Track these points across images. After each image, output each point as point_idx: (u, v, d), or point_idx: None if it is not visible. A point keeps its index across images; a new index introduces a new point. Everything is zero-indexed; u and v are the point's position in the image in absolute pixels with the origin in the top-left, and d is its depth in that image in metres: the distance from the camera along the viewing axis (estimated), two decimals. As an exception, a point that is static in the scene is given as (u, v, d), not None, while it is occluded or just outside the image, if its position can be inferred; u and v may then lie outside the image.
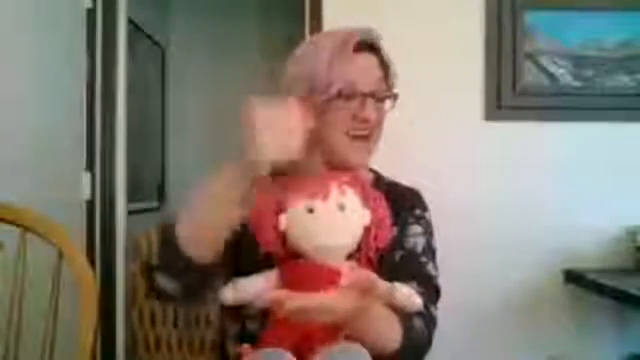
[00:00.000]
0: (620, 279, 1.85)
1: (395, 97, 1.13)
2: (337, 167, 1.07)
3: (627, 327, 2.10)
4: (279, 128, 0.84)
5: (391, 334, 0.94)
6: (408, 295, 0.91)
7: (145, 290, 1.00)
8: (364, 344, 0.83)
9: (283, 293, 0.82)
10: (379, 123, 1.08)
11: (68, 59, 2.13)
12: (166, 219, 0.93)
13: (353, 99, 1.05)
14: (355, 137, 1.06)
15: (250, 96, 0.87)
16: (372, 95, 1.06)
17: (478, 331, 2.07)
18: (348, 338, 0.84)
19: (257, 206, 0.96)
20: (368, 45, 1.09)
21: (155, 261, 0.96)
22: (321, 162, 1.09)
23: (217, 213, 0.90)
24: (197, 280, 0.95)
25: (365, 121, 1.05)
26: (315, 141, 1.08)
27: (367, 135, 1.07)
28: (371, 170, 1.21)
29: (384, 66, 1.11)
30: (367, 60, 1.09)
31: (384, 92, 1.09)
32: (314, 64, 1.05)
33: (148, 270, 0.97)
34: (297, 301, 0.80)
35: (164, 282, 0.95)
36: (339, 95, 1.04)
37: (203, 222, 0.92)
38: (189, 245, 0.91)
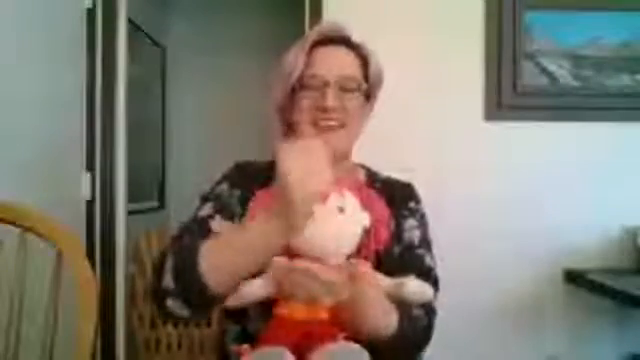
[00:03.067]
0: (620, 279, 1.85)
1: (369, 90, 1.13)
2: None
3: (627, 327, 2.10)
4: (310, 170, 0.82)
5: (388, 319, 0.94)
6: (419, 288, 0.91)
7: (155, 312, 0.99)
8: (360, 328, 0.83)
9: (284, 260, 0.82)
10: (347, 112, 1.09)
11: (68, 59, 2.13)
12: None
13: (315, 89, 1.08)
14: (321, 127, 1.08)
15: (282, 144, 0.86)
16: (334, 84, 1.07)
17: (478, 331, 2.07)
18: (347, 338, 0.84)
19: (257, 211, 0.96)
20: (340, 40, 1.12)
21: (168, 286, 0.93)
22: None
23: (249, 260, 0.87)
24: (210, 306, 0.95)
25: (325, 110, 1.07)
26: (293, 132, 1.12)
27: (333, 125, 1.08)
28: (362, 167, 1.22)
29: (362, 60, 1.13)
30: (335, 52, 1.11)
31: (354, 83, 1.10)
32: (284, 61, 1.11)
33: (159, 295, 0.95)
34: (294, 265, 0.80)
35: (177, 308, 0.94)
36: (302, 86, 1.08)
37: (233, 266, 0.89)
38: (212, 281, 0.89)
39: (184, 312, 0.95)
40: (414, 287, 0.91)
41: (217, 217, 1.07)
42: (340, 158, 1.11)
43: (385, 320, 0.93)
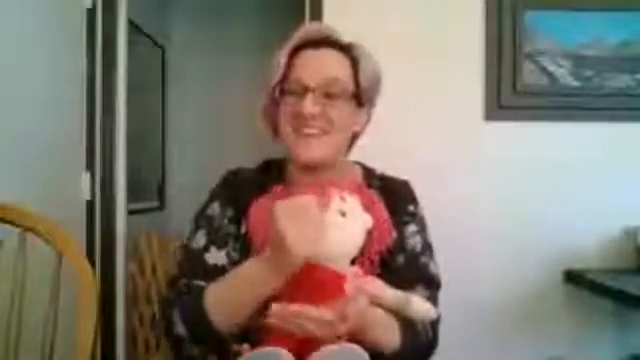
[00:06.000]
0: (620, 279, 1.85)
1: (360, 94, 1.08)
2: (297, 164, 1.08)
3: (627, 327, 2.10)
4: (303, 225, 0.85)
5: (390, 338, 0.95)
6: (424, 308, 0.92)
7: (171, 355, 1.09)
8: (362, 346, 0.84)
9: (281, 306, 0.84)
10: (331, 120, 1.04)
11: (68, 59, 2.13)
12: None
13: (296, 94, 1.04)
14: (300, 134, 1.04)
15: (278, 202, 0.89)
16: (316, 89, 1.02)
17: (478, 331, 2.07)
18: (348, 339, 0.84)
19: (259, 218, 0.97)
20: (329, 42, 1.07)
21: (181, 334, 0.98)
22: (291, 160, 1.11)
23: (251, 301, 0.92)
24: (227, 344, 0.98)
25: (299, 116, 1.02)
26: (279, 136, 1.09)
27: (315, 133, 1.03)
28: (358, 164, 1.20)
29: (353, 63, 1.07)
30: (321, 56, 1.06)
31: (338, 88, 1.04)
32: (272, 63, 1.07)
33: (175, 343, 1.00)
34: (295, 311, 0.82)
35: (194, 351, 0.99)
36: (284, 90, 1.04)
37: (237, 309, 0.94)
38: (222, 324, 0.95)
39: (201, 354, 1.00)
40: (419, 306, 0.92)
41: (212, 248, 1.07)
42: (325, 166, 1.07)
43: (387, 339, 0.94)
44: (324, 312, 0.82)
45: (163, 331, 1.02)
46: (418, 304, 0.92)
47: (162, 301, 1.08)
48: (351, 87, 1.06)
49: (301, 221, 0.84)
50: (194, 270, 1.05)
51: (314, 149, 1.03)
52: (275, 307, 0.83)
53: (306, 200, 0.86)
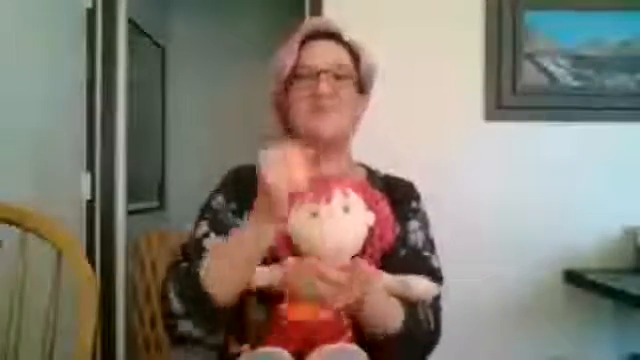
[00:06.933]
0: (620, 279, 1.85)
1: (361, 83, 1.16)
2: (309, 142, 1.09)
3: (627, 327, 2.10)
4: (285, 167, 0.86)
5: (393, 319, 0.96)
6: (423, 286, 0.93)
7: (169, 341, 1.04)
8: (365, 327, 0.85)
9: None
10: (341, 100, 1.11)
11: (68, 59, 2.13)
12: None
13: (309, 78, 1.10)
14: (315, 110, 1.10)
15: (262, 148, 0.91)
16: (327, 72, 1.10)
17: (477, 331, 2.07)
18: (349, 340, 0.84)
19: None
20: (330, 35, 1.15)
21: (176, 310, 0.97)
22: (301, 144, 1.12)
23: (245, 265, 0.92)
24: (219, 320, 0.97)
25: (319, 97, 1.09)
26: (291, 124, 1.14)
27: (326, 107, 1.09)
28: (362, 166, 1.23)
29: (353, 55, 1.16)
30: (325, 45, 1.14)
31: (346, 70, 1.12)
32: (277, 56, 1.15)
33: (169, 321, 0.99)
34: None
35: (189, 329, 0.97)
36: (296, 76, 1.11)
37: (233, 276, 0.94)
38: (216, 292, 0.94)
39: (196, 332, 0.97)
40: (418, 286, 0.92)
41: (212, 235, 1.08)
42: (338, 144, 1.13)
43: (391, 315, 0.96)
44: (338, 274, 0.84)
45: (161, 312, 1.02)
46: (417, 284, 0.93)
47: (161, 283, 1.06)
48: (355, 73, 1.15)
49: (281, 164, 0.86)
50: (193, 255, 1.06)
51: (329, 122, 1.10)
52: (291, 259, 0.86)
53: (287, 147, 0.89)
